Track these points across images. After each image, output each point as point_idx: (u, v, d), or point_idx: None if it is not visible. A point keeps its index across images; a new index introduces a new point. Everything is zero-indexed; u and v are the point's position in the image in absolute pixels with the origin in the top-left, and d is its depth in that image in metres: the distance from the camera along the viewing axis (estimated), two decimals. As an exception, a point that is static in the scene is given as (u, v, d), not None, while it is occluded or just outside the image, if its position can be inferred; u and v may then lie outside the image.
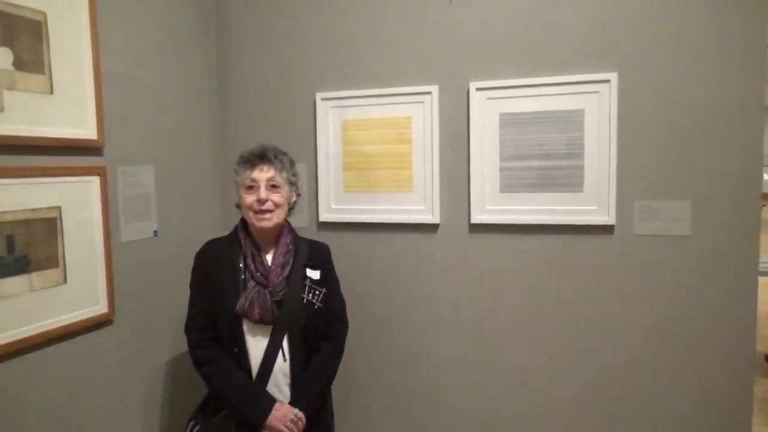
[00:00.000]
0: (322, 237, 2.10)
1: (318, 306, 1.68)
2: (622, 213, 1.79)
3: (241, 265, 1.63)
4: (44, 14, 1.47)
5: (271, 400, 1.58)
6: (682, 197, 1.73)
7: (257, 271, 1.62)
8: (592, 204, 1.81)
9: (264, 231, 1.65)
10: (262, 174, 1.62)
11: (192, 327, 1.66)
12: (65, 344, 1.56)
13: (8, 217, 1.39)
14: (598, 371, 1.86)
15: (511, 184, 1.89)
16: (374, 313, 2.09)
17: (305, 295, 1.66)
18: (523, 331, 1.93)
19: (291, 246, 1.69)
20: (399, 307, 2.06)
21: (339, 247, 2.09)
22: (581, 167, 1.81)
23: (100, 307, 1.66)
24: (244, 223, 1.69)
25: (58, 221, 1.53)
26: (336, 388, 2.13)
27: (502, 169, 1.89)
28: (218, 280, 1.63)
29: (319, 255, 1.77)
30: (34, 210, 1.45)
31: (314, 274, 1.70)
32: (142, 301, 1.82)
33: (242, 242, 1.66)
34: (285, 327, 1.62)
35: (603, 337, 1.84)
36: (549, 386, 1.91)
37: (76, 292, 1.58)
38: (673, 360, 1.78)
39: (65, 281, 1.55)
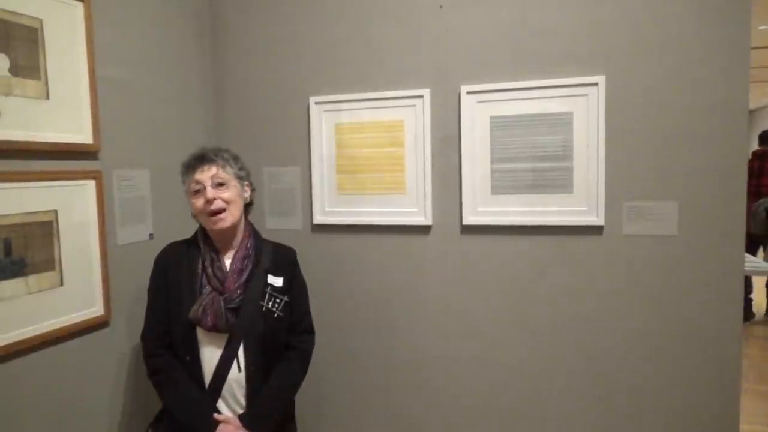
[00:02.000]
0: (316, 239, 2.13)
1: (278, 315, 1.62)
2: (611, 214, 1.82)
3: (199, 270, 1.59)
4: (40, 21, 1.49)
5: (215, 421, 1.53)
6: (670, 198, 1.76)
7: (214, 277, 1.57)
8: (582, 205, 1.84)
9: (222, 233, 1.61)
10: (204, 174, 1.56)
11: (149, 333, 1.62)
12: (62, 346, 1.58)
13: (5, 221, 1.41)
14: (589, 368, 1.88)
15: (501, 186, 1.92)
16: (367, 314, 2.11)
17: (264, 303, 1.60)
18: (514, 330, 1.95)
19: (251, 251, 1.64)
20: (391, 308, 2.08)
21: (332, 249, 2.12)
22: (570, 169, 1.84)
23: (97, 310, 1.68)
24: (203, 227, 1.65)
25: (55, 225, 1.55)
26: (328, 389, 2.16)
27: (493, 171, 1.92)
28: (176, 285, 1.59)
29: (284, 260, 1.71)
30: (30, 214, 1.47)
31: (276, 281, 1.64)
32: (137, 303, 1.83)
33: (201, 246, 1.62)
34: (241, 336, 1.56)
35: (593, 334, 1.87)
36: (540, 385, 1.94)
37: (73, 294, 1.60)
38: (660, 356, 1.81)
39: (62, 284, 1.57)
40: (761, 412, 3.33)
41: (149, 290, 1.65)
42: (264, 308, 1.60)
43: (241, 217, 1.65)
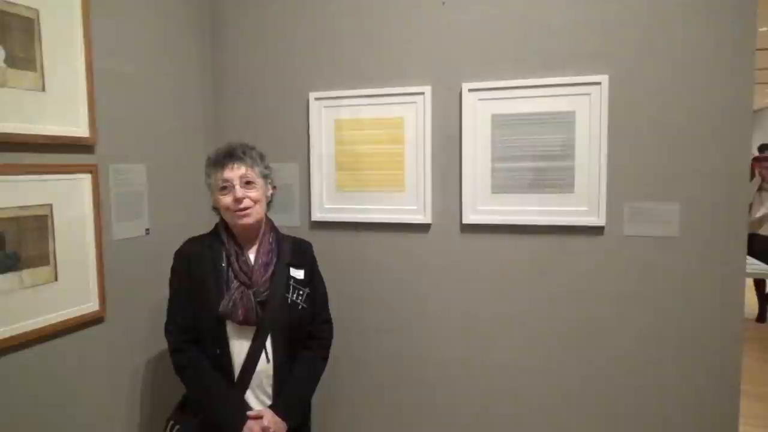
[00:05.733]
0: (315, 236, 2.11)
1: (302, 306, 1.66)
2: (612, 214, 1.81)
3: (223, 265, 1.60)
4: (37, 12, 1.47)
5: (244, 413, 1.56)
6: (671, 199, 1.75)
7: (241, 271, 1.59)
8: (583, 205, 1.83)
9: (246, 229, 1.62)
10: (234, 172, 1.58)
11: (174, 328, 1.62)
12: (56, 342, 1.56)
13: (-1, 215, 1.39)
14: (588, 370, 1.87)
15: (502, 184, 1.90)
16: (365, 312, 2.10)
17: (289, 296, 1.64)
18: (513, 331, 1.94)
19: (273, 245, 1.67)
20: (390, 306, 2.07)
21: (331, 246, 2.11)
22: (572, 168, 1.83)
23: (92, 305, 1.66)
24: (225, 222, 1.65)
25: (50, 219, 1.53)
26: (326, 389, 2.14)
27: (493, 170, 1.91)
28: (201, 280, 1.59)
29: (303, 254, 1.75)
30: (25, 207, 1.45)
31: (298, 274, 1.68)
32: (133, 299, 1.82)
33: (225, 241, 1.62)
34: (269, 328, 1.59)
35: (592, 336, 1.86)
36: (539, 385, 1.93)
37: (68, 289, 1.58)
38: (660, 359, 1.80)
39: (56, 279, 1.55)
40: (755, 414, 3.34)
41: (171, 285, 1.64)
42: (289, 300, 1.64)
43: (263, 213, 1.68)
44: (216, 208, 1.67)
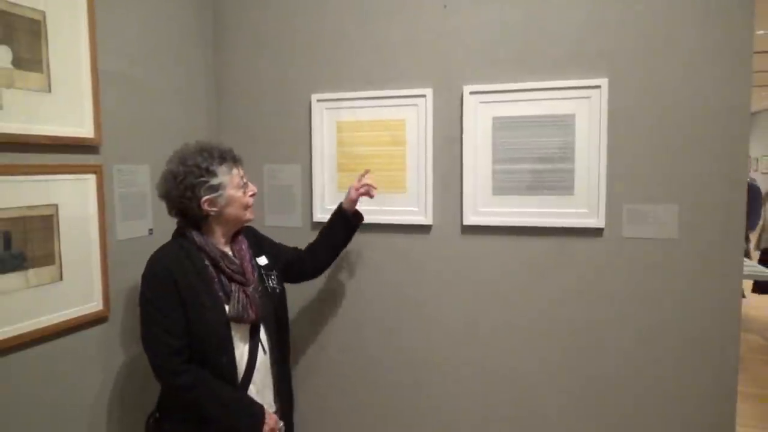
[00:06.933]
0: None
1: (279, 290, 1.69)
2: (611, 216, 1.82)
3: (211, 270, 1.52)
4: (43, 13, 1.48)
5: (262, 411, 1.55)
6: (670, 201, 1.77)
7: (235, 273, 1.54)
8: (583, 207, 1.84)
9: (237, 227, 1.62)
10: (242, 170, 1.60)
11: (168, 352, 1.46)
12: (60, 341, 1.57)
13: (5, 214, 1.40)
14: (588, 371, 1.89)
15: (503, 186, 1.92)
16: (365, 314, 2.11)
17: (267, 284, 1.66)
18: (513, 332, 1.96)
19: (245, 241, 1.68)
20: (390, 308, 2.08)
21: (333, 247, 2.12)
22: (572, 171, 1.85)
23: (96, 305, 1.68)
24: (197, 227, 1.55)
25: (55, 219, 1.54)
26: (326, 388, 2.16)
27: (494, 172, 1.92)
28: (192, 292, 1.48)
29: (255, 240, 1.73)
30: (30, 207, 1.47)
31: (262, 261, 1.70)
32: (136, 299, 1.82)
33: (204, 246, 1.52)
34: (261, 320, 1.59)
35: (592, 337, 1.88)
36: (539, 387, 1.94)
37: (72, 289, 1.59)
38: (658, 359, 1.82)
39: (61, 278, 1.56)
40: (750, 414, 3.35)
41: (154, 306, 1.48)
42: (269, 289, 1.66)
43: None
44: (185, 214, 1.55)
